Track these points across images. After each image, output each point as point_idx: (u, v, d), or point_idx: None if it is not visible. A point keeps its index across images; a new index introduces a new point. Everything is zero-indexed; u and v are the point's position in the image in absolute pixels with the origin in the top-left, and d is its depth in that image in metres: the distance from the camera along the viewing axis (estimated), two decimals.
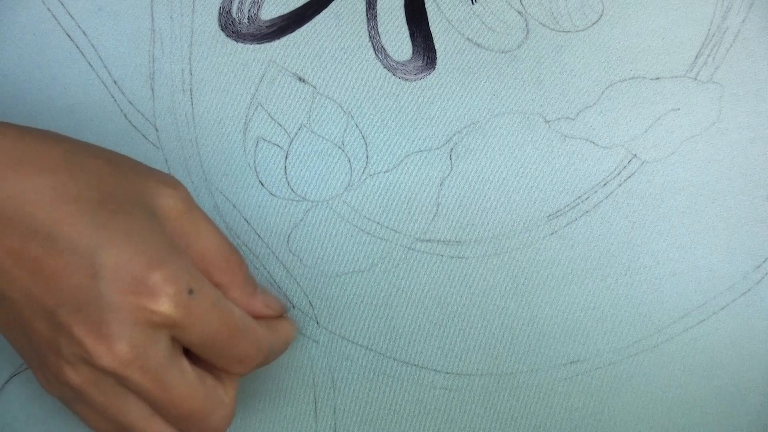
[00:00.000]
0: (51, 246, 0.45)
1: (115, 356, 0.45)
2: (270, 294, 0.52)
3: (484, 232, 0.55)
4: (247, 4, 0.56)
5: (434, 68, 0.56)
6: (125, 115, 0.56)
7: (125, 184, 0.47)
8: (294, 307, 0.55)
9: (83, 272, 0.45)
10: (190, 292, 0.46)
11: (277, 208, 0.55)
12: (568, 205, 0.56)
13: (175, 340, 0.47)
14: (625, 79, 0.56)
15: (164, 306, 0.45)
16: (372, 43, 0.56)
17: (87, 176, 0.47)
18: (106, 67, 0.56)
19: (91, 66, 0.56)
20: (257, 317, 0.51)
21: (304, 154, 0.56)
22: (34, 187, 0.45)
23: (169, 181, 0.49)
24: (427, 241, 0.55)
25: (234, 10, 0.56)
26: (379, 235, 0.55)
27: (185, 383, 0.47)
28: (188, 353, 0.48)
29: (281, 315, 0.52)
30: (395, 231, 0.55)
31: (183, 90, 0.56)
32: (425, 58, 0.56)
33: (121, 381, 0.46)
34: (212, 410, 0.48)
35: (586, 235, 0.56)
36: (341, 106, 0.56)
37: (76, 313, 0.45)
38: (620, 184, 0.56)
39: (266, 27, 0.56)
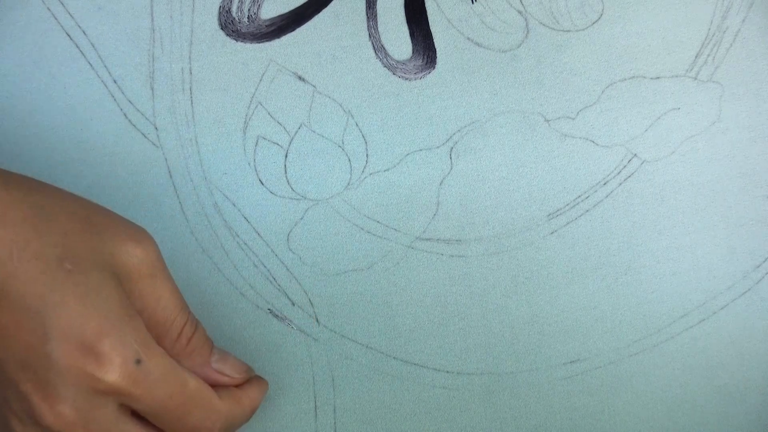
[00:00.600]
0: (3, 301, 0.45)
1: (59, 418, 0.45)
2: (230, 360, 0.51)
3: (484, 231, 0.55)
4: (246, 3, 0.56)
5: (434, 67, 0.56)
6: (125, 115, 0.56)
7: (91, 241, 0.47)
8: (294, 304, 0.55)
9: (33, 332, 0.45)
10: (138, 362, 0.45)
11: (277, 207, 0.55)
12: (568, 205, 0.56)
13: (124, 404, 0.46)
14: (625, 79, 0.56)
15: (109, 375, 0.45)
16: (372, 42, 0.56)
17: (51, 233, 0.46)
18: (105, 66, 0.56)
19: (91, 65, 0.56)
20: (215, 385, 0.50)
21: (304, 153, 0.56)
22: None
23: (138, 238, 0.48)
24: (427, 239, 0.55)
25: (234, 9, 0.56)
26: (379, 233, 0.55)
27: None
28: None
29: (243, 380, 0.51)
30: (395, 230, 0.55)
31: (183, 89, 0.56)
32: (425, 57, 0.56)
33: None
34: None
35: (586, 235, 0.56)
36: (341, 105, 0.56)
37: (23, 370, 0.45)
38: (620, 184, 0.56)
39: (266, 26, 0.56)
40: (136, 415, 0.47)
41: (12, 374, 0.45)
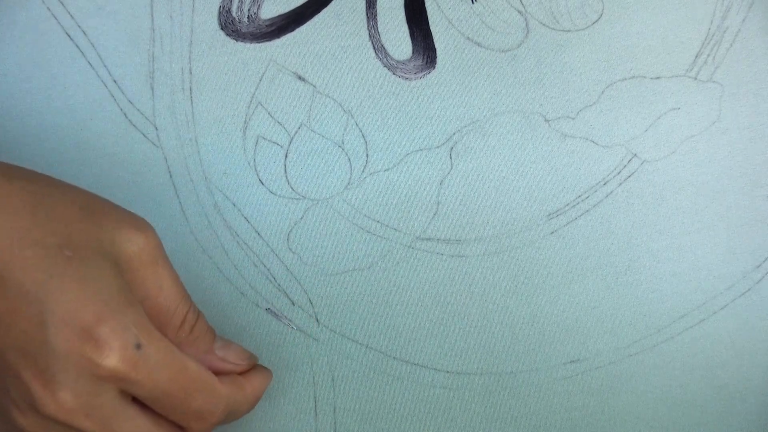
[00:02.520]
0: (2, 288, 0.45)
1: (59, 405, 0.45)
2: (233, 347, 0.51)
3: (484, 231, 0.55)
4: (246, 3, 0.56)
5: (434, 67, 0.56)
6: (125, 115, 0.56)
7: (92, 229, 0.47)
8: (294, 304, 0.55)
9: (31, 319, 0.45)
10: (138, 346, 0.45)
11: (277, 207, 0.55)
12: (568, 204, 0.56)
13: (125, 390, 0.46)
14: (625, 79, 0.56)
15: (109, 360, 0.45)
16: (372, 42, 0.56)
17: (51, 221, 0.46)
18: (105, 66, 0.56)
19: (91, 65, 0.56)
20: (218, 373, 0.50)
21: (304, 153, 0.56)
22: None
23: (138, 226, 0.48)
24: (427, 239, 0.55)
25: (234, 9, 0.56)
26: (379, 233, 0.55)
27: (135, 430, 0.47)
28: None
29: (247, 367, 0.51)
30: (395, 229, 0.55)
31: (183, 89, 0.56)
32: (425, 57, 0.56)
33: (69, 429, 0.46)
34: None
35: (586, 235, 0.56)
36: (341, 105, 0.56)
37: (23, 358, 0.45)
38: (620, 184, 0.56)
39: (266, 26, 0.56)
40: (138, 402, 0.47)
41: (12, 362, 0.45)
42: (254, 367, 0.52)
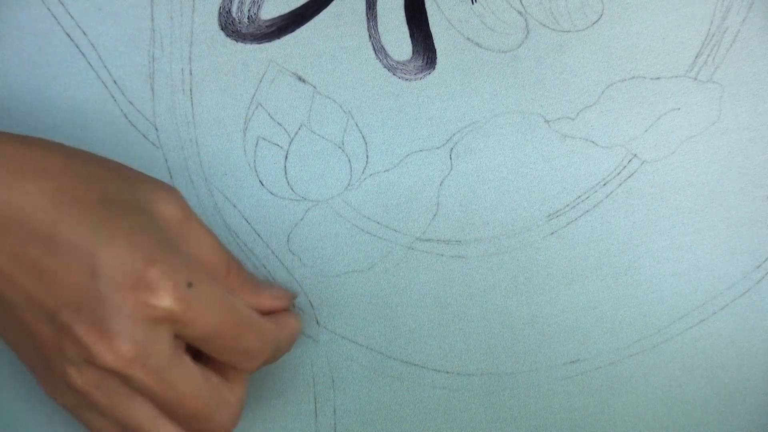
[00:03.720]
0: (50, 247, 0.45)
1: (117, 355, 0.45)
2: (275, 285, 0.52)
3: (484, 232, 0.55)
4: (247, 3, 0.56)
5: (434, 68, 0.56)
6: (125, 115, 0.56)
7: (125, 188, 0.48)
8: (294, 306, 0.55)
9: (82, 272, 0.45)
10: (189, 285, 0.46)
11: (277, 208, 0.55)
12: (568, 205, 0.56)
13: (177, 336, 0.47)
14: (625, 79, 0.56)
15: (163, 300, 0.45)
16: (372, 43, 0.56)
17: (88, 180, 0.47)
18: (106, 67, 0.56)
19: (91, 66, 0.56)
20: (266, 313, 0.51)
21: (304, 154, 0.56)
22: (35, 190, 0.46)
23: (167, 189, 0.49)
24: (427, 240, 0.55)
25: (234, 9, 0.56)
26: (379, 234, 0.55)
27: (189, 381, 0.47)
28: (198, 354, 0.48)
29: (287, 305, 0.52)
30: (395, 230, 0.55)
31: (183, 90, 0.56)
32: (425, 57, 0.56)
33: (125, 380, 0.46)
34: (216, 409, 0.48)
35: (586, 235, 0.56)
36: (341, 106, 0.56)
37: (76, 312, 0.45)
38: (620, 184, 0.56)
39: (266, 27, 0.56)
40: (189, 353, 0.48)
41: (66, 320, 0.45)
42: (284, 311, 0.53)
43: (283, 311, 0.52)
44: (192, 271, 0.46)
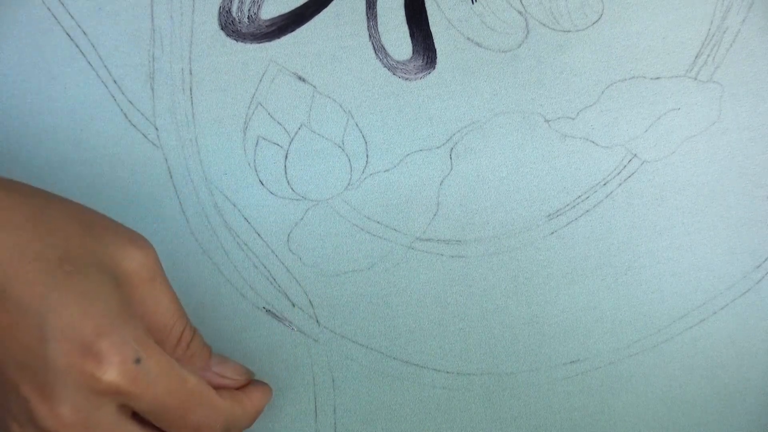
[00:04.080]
0: (2, 303, 0.45)
1: (58, 419, 0.45)
2: (229, 363, 0.51)
3: (484, 232, 0.55)
4: (247, 3, 0.56)
5: (434, 68, 0.56)
6: (125, 115, 0.56)
7: (91, 244, 0.47)
8: (294, 305, 0.55)
9: (31, 333, 0.45)
10: (138, 360, 0.45)
11: (277, 208, 0.55)
12: (568, 205, 0.56)
13: (124, 406, 0.46)
14: (625, 79, 0.56)
15: (108, 374, 0.45)
16: (372, 43, 0.56)
17: (52, 235, 0.46)
18: (106, 66, 0.56)
19: (91, 66, 0.56)
20: (216, 388, 0.49)
21: (304, 154, 0.56)
22: None
23: (140, 245, 0.48)
24: (427, 240, 0.55)
25: (234, 9, 0.56)
26: (379, 234, 0.55)
27: None
28: None
29: (244, 382, 0.51)
30: (395, 230, 0.55)
31: (183, 89, 0.56)
32: (425, 57, 0.56)
33: None
34: None
35: (586, 235, 0.56)
36: (341, 106, 0.56)
37: (22, 371, 0.45)
38: (620, 184, 0.56)
39: (266, 26, 0.56)
40: (137, 417, 0.47)
41: (11, 377, 0.45)
42: (253, 382, 0.52)
43: (251, 384, 0.52)
44: (141, 344, 0.46)
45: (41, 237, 0.46)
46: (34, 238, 0.46)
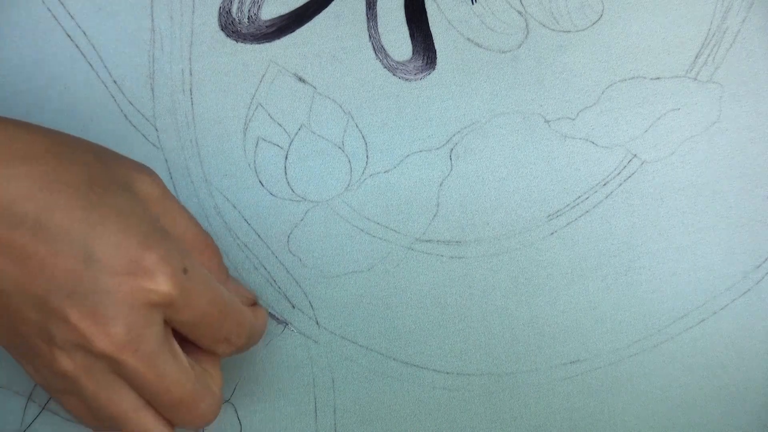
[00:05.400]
0: (40, 232, 0.44)
1: (112, 339, 0.45)
2: (241, 283, 0.53)
3: (484, 232, 0.55)
4: (247, 4, 0.56)
5: (434, 68, 0.56)
6: (125, 116, 0.56)
7: (109, 170, 0.47)
8: (294, 307, 0.55)
9: (75, 257, 0.44)
10: (185, 270, 0.46)
11: (277, 209, 0.55)
12: (568, 205, 0.56)
13: (166, 322, 0.47)
14: (625, 79, 0.56)
15: (162, 285, 0.45)
16: (372, 43, 0.56)
17: (74, 164, 0.46)
18: (106, 67, 0.56)
19: (91, 66, 0.56)
20: None
21: (304, 154, 0.56)
22: (21, 174, 0.45)
23: (144, 169, 0.49)
24: (427, 241, 0.55)
25: (234, 10, 0.56)
26: (379, 235, 0.55)
27: (177, 369, 0.47)
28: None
29: (253, 302, 0.52)
30: (395, 231, 0.55)
31: (183, 90, 0.56)
32: (425, 58, 0.56)
33: (115, 367, 0.46)
34: (201, 398, 0.48)
35: (586, 235, 0.56)
36: (341, 106, 0.56)
37: (69, 298, 0.44)
38: (620, 184, 0.56)
39: (266, 27, 0.56)
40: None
41: (57, 305, 0.45)
42: (256, 304, 0.53)
43: (256, 305, 0.53)
44: (185, 257, 0.46)
45: (65, 165, 0.46)
46: (60, 167, 0.46)
